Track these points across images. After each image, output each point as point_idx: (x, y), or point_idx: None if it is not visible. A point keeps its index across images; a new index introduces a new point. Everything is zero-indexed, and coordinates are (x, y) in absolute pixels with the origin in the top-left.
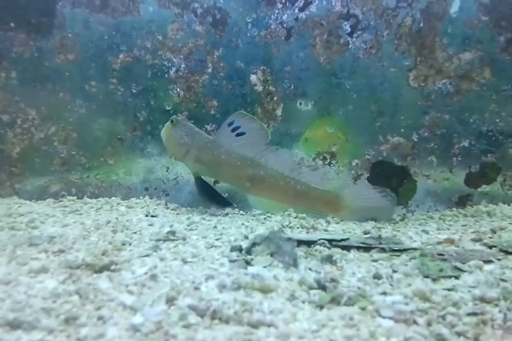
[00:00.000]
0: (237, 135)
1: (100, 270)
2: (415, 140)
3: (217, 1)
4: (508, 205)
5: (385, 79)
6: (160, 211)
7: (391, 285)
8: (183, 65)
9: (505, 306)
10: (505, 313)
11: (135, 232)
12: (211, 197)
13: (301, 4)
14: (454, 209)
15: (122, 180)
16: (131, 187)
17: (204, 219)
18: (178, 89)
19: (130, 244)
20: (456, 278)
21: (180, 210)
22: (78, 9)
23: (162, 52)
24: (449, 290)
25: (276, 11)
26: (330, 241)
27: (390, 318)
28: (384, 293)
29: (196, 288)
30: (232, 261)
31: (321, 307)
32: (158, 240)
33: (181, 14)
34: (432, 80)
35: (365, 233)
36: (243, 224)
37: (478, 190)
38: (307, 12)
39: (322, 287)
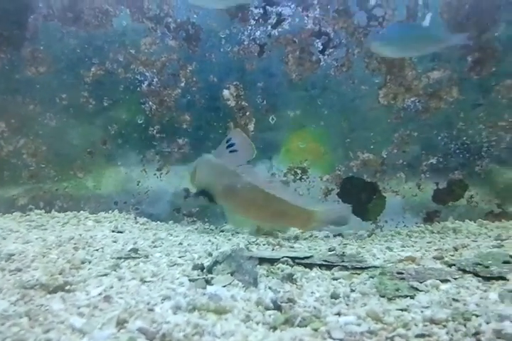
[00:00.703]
0: (230, 151)
1: (54, 290)
2: (384, 156)
3: (191, 17)
4: (474, 222)
5: (355, 97)
6: (128, 226)
7: (347, 305)
8: (155, 79)
9: (453, 327)
10: (452, 334)
11: (97, 249)
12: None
13: (274, 21)
14: (421, 225)
15: (91, 193)
16: (101, 201)
17: (171, 235)
18: (150, 103)
19: (90, 262)
20: (412, 297)
21: (149, 225)
22: (51, 22)
23: (134, 66)
24: (402, 310)
25: (250, 28)
26: (293, 258)
27: (340, 340)
28: (338, 314)
29: (150, 310)
30: (192, 280)
31: (275, 328)
32: (119, 258)
33: (154, 28)
34: (401, 98)
35: (330, 250)
36: (210, 240)
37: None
38: (280, 29)
39: (278, 307)
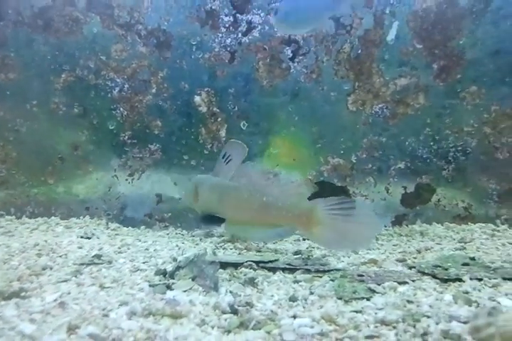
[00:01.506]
0: (227, 163)
1: (9, 297)
2: (354, 161)
3: (162, 24)
4: (442, 225)
5: (325, 103)
6: (99, 231)
7: (304, 307)
8: (126, 85)
9: (403, 328)
10: (401, 335)
11: (60, 256)
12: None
13: (244, 29)
14: (390, 228)
15: (63, 199)
16: (72, 207)
17: (139, 241)
18: (121, 109)
19: (51, 269)
20: (368, 299)
21: (120, 230)
22: (20, 28)
23: (105, 72)
24: (356, 312)
25: (220, 35)
26: (257, 262)
27: None
28: (294, 316)
29: (105, 316)
30: (152, 286)
31: (229, 332)
32: (82, 264)
33: (125, 35)
34: (369, 104)
35: (296, 253)
36: (177, 245)
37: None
38: (250, 37)
39: (235, 311)
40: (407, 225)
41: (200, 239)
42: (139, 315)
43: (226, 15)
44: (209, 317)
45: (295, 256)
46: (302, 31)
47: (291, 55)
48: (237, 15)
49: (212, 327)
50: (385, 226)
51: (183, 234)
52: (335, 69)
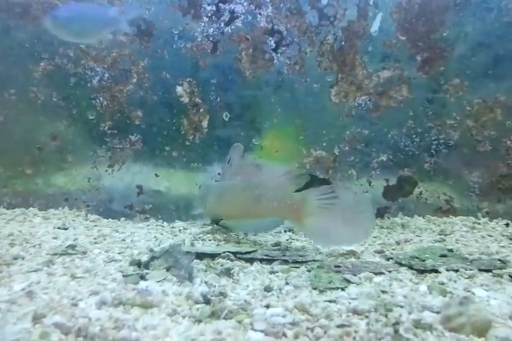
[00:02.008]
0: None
1: None
2: (337, 154)
3: (143, 12)
4: (423, 218)
5: (308, 95)
6: (77, 223)
7: (278, 297)
8: (106, 75)
9: (374, 318)
10: (372, 324)
11: (34, 246)
12: None
13: (227, 19)
14: None
15: (41, 190)
16: (50, 198)
17: (117, 232)
18: (101, 99)
19: (23, 259)
20: (343, 289)
21: (100, 222)
22: None
23: (85, 61)
24: (330, 301)
25: (203, 24)
26: (235, 253)
27: (261, 331)
28: (267, 306)
29: (73, 305)
30: (125, 276)
31: (200, 321)
32: (55, 254)
33: None
34: (352, 96)
35: (275, 245)
36: (155, 236)
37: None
38: (233, 26)
39: (207, 301)
40: (388, 218)
41: (180, 231)
42: (109, 305)
43: (208, 5)
44: (181, 307)
45: (274, 248)
46: (82, 40)
47: (274, 45)
48: (220, 4)
49: (184, 317)
50: None
51: (163, 226)
52: (318, 61)
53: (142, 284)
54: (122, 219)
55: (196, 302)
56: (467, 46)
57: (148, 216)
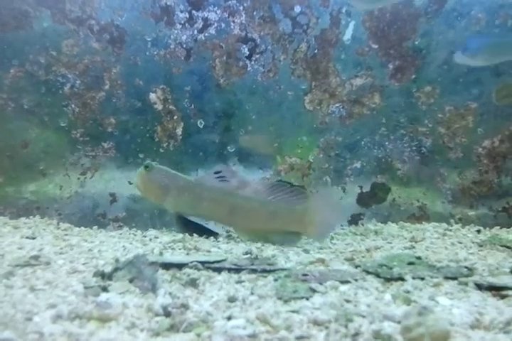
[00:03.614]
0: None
1: None
2: (311, 161)
3: (115, 19)
4: (397, 224)
5: (282, 102)
6: (47, 232)
7: (241, 308)
8: (78, 81)
9: (334, 328)
10: (331, 336)
11: None
12: (195, 231)
13: (200, 26)
14: (345, 227)
15: (12, 199)
16: (21, 207)
17: (85, 241)
18: (73, 106)
19: None
20: (307, 299)
21: (71, 231)
22: None
23: (56, 68)
24: (293, 312)
25: (176, 32)
26: (203, 263)
27: None
28: (229, 318)
29: (28, 319)
30: (87, 288)
31: (158, 335)
32: (17, 265)
33: (77, 30)
34: (326, 104)
35: (246, 253)
36: (124, 246)
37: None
38: (206, 34)
39: (168, 313)
40: (362, 224)
41: (150, 239)
42: (65, 319)
43: (181, 12)
44: (140, 320)
45: (244, 256)
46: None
47: (248, 53)
48: (193, 11)
49: (142, 330)
50: (342, 226)
51: (135, 235)
52: (292, 69)
53: (103, 296)
54: (95, 227)
55: (156, 315)
56: (438, 54)
57: (121, 224)
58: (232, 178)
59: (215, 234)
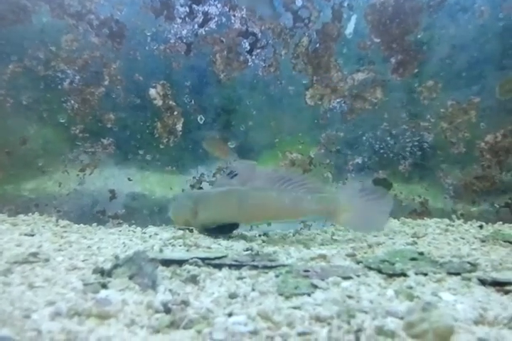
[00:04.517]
0: (231, 177)
1: None
2: (312, 156)
3: (115, 14)
4: (398, 220)
5: (283, 97)
6: (46, 229)
7: (242, 304)
8: (77, 77)
9: (337, 325)
10: (333, 332)
11: None
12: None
13: (201, 20)
14: None
15: (10, 195)
16: (20, 204)
17: (85, 238)
18: (72, 102)
19: None
20: (309, 295)
21: (70, 228)
22: None
23: (55, 63)
24: (294, 308)
25: (176, 26)
26: (203, 259)
27: None
28: (230, 314)
29: (26, 317)
30: (86, 285)
31: (158, 332)
32: (15, 262)
33: (76, 25)
34: (327, 99)
35: (247, 250)
36: (124, 243)
37: None
38: (207, 28)
39: (168, 310)
40: None
41: (150, 236)
42: (64, 316)
43: (181, 6)
44: (140, 317)
45: (245, 252)
46: None
47: (248, 47)
48: (193, 5)
49: (142, 327)
50: None
51: (134, 231)
52: (293, 63)
53: (102, 293)
54: (94, 224)
55: (156, 312)
56: (441, 48)
57: (121, 221)
58: (240, 170)
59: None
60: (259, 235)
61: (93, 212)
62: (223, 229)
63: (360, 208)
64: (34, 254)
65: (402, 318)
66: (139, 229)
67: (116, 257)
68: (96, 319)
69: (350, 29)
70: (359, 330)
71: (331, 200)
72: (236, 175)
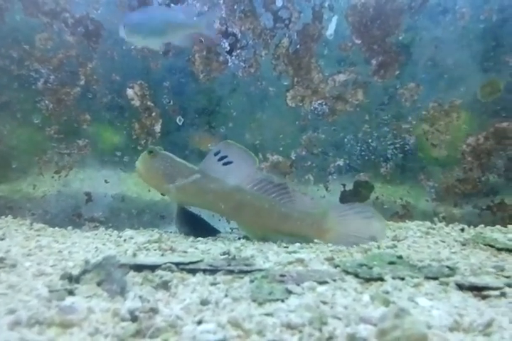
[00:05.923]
0: (224, 164)
1: None
2: (293, 158)
3: (91, 12)
4: None
5: (264, 98)
6: (19, 232)
7: (213, 311)
8: (52, 77)
9: (308, 332)
10: (305, 339)
11: None
12: (194, 229)
13: None
14: None
15: None
16: None
17: (56, 242)
18: (46, 102)
19: None
20: (283, 301)
21: (45, 231)
22: None
23: (29, 63)
24: (266, 315)
25: None
26: (177, 264)
27: None
28: (199, 322)
29: None
30: (52, 292)
31: None
32: None
33: (51, 24)
34: (308, 100)
35: (224, 254)
36: (96, 247)
37: None
38: None
39: (134, 318)
40: None
41: (125, 240)
42: (24, 325)
43: (160, 5)
44: (105, 326)
45: (222, 257)
46: (154, 44)
47: (228, 48)
48: (172, 5)
49: (106, 336)
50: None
51: (110, 235)
52: (273, 64)
53: (68, 300)
54: (69, 228)
55: (122, 320)
56: (422, 49)
57: (97, 224)
58: (235, 158)
59: (216, 233)
60: (239, 238)
61: (69, 215)
62: (203, 232)
63: (348, 227)
64: (0, 259)
65: (375, 325)
66: (115, 232)
67: (87, 262)
68: (58, 328)
69: (331, 30)
70: (330, 338)
71: (315, 218)
72: (230, 162)
